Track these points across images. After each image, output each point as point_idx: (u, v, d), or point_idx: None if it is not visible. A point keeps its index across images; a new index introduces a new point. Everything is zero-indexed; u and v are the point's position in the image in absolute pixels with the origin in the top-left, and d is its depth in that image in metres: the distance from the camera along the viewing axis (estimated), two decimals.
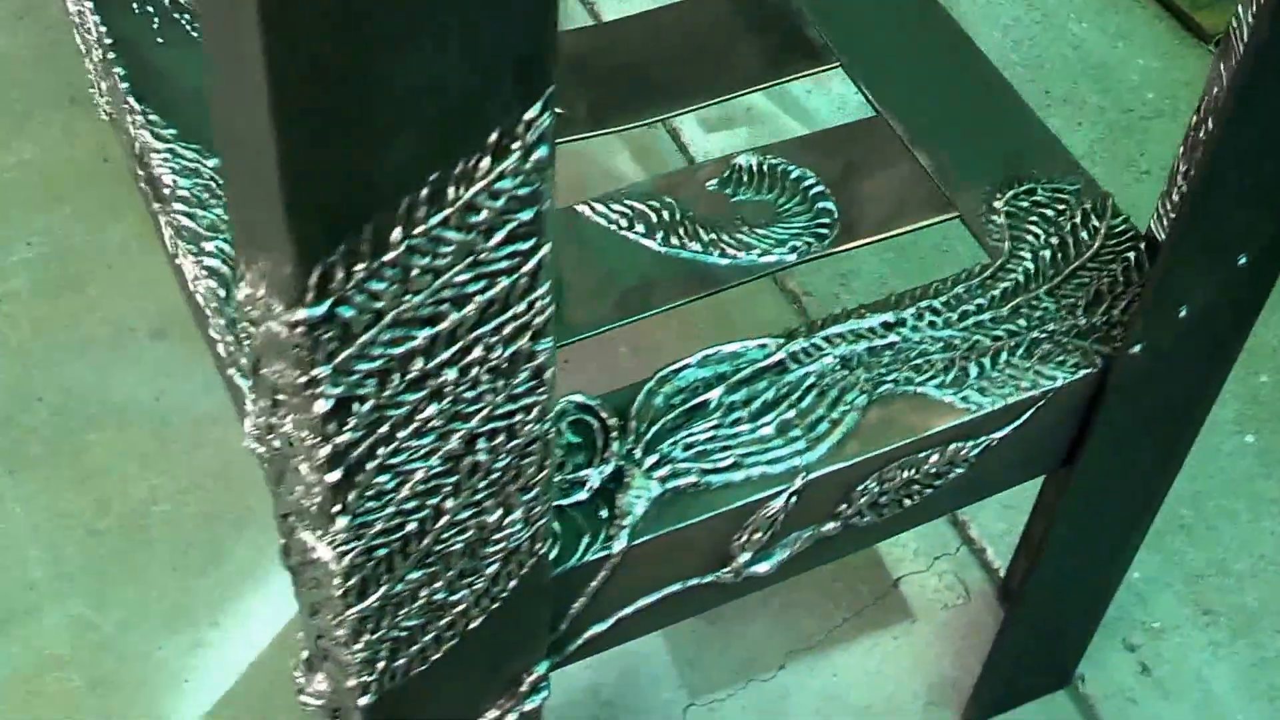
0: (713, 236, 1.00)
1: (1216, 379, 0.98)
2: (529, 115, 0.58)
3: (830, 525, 0.93)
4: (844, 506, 0.93)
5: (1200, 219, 0.86)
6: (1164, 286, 0.89)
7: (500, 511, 0.75)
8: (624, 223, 1.01)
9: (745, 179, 1.04)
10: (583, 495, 0.88)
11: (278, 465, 0.72)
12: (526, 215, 0.61)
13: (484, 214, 0.60)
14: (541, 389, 0.69)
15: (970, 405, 0.92)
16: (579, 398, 0.91)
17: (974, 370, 0.94)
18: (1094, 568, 1.16)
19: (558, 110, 1.05)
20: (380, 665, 0.79)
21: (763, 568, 0.93)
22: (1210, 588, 1.39)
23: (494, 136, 0.57)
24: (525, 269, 0.63)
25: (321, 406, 0.63)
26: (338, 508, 0.68)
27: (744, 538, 0.90)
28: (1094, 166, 1.77)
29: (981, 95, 1.10)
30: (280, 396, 0.66)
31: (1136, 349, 0.92)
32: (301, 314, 0.59)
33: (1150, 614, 1.37)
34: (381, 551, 0.72)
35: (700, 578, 0.92)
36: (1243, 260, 0.88)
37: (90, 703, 1.33)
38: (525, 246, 0.62)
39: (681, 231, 1.01)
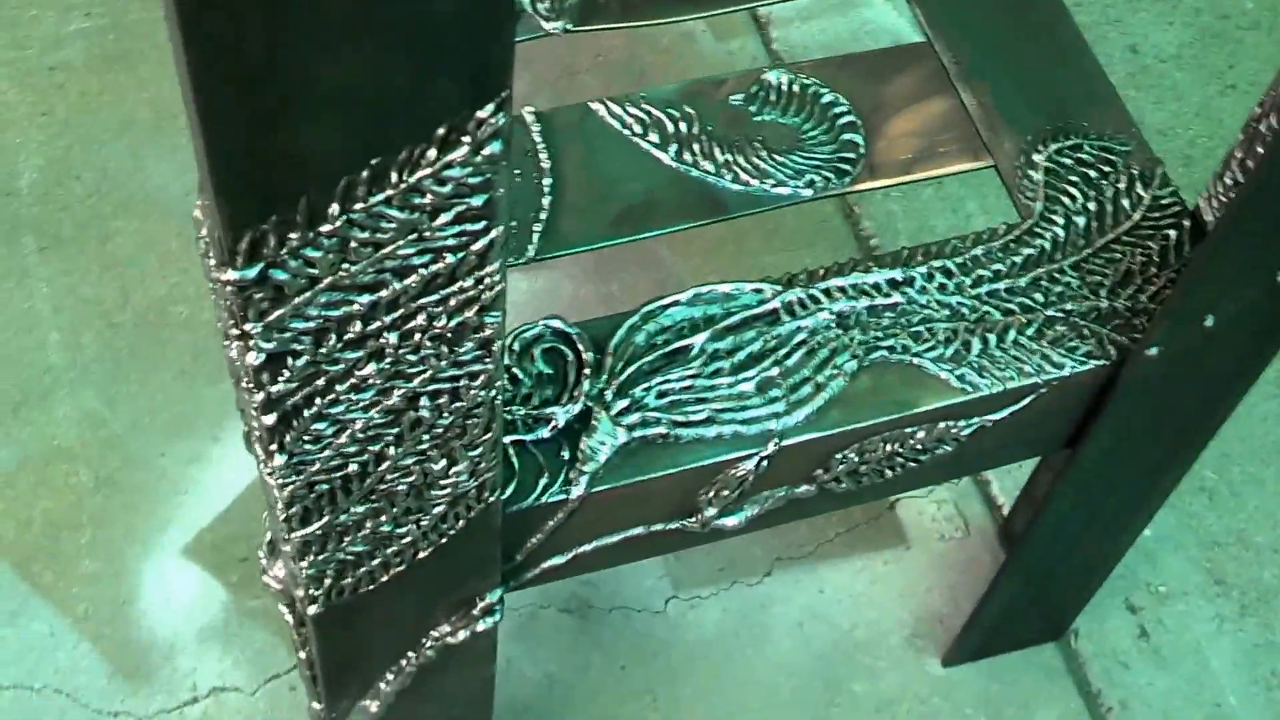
0: (727, 157, 0.94)
1: (1236, 393, 0.92)
2: (481, 114, 0.52)
3: (804, 488, 0.89)
4: (820, 472, 0.88)
5: (1244, 225, 0.79)
6: (1192, 291, 0.82)
7: (445, 462, 0.71)
8: (638, 129, 0.95)
9: (773, 97, 0.97)
10: (545, 433, 0.84)
11: (233, 373, 0.69)
12: (476, 201, 0.56)
13: (429, 197, 0.55)
14: (488, 359, 0.65)
15: (966, 385, 0.87)
16: (557, 323, 0.86)
17: (976, 346, 0.88)
18: (1097, 534, 1.11)
19: (591, 3, 0.98)
20: (327, 583, 0.77)
21: (730, 521, 0.89)
22: (1226, 557, 1.34)
23: (441, 131, 0.52)
24: (474, 248, 0.58)
25: (253, 359, 0.59)
26: (274, 446, 0.65)
27: (711, 494, 0.86)
28: (1179, 71, 1.66)
29: (1044, 33, 1.01)
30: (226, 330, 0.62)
31: (1153, 351, 0.85)
32: (231, 275, 0.54)
33: (1158, 576, 1.33)
34: (323, 487, 0.69)
35: (664, 524, 0.88)
36: None
37: (94, 501, 1.34)
38: (475, 228, 0.57)
39: (696, 148, 0.94)
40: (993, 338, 0.88)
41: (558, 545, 0.86)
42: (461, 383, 0.65)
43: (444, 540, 0.77)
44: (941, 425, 0.88)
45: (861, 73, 0.99)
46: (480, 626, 0.87)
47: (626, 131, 0.94)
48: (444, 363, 0.63)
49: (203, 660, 1.28)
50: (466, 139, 0.52)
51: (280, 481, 0.68)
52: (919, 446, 0.89)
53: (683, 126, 0.95)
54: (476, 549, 0.80)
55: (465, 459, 0.71)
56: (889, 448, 0.88)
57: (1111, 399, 0.90)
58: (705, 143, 0.94)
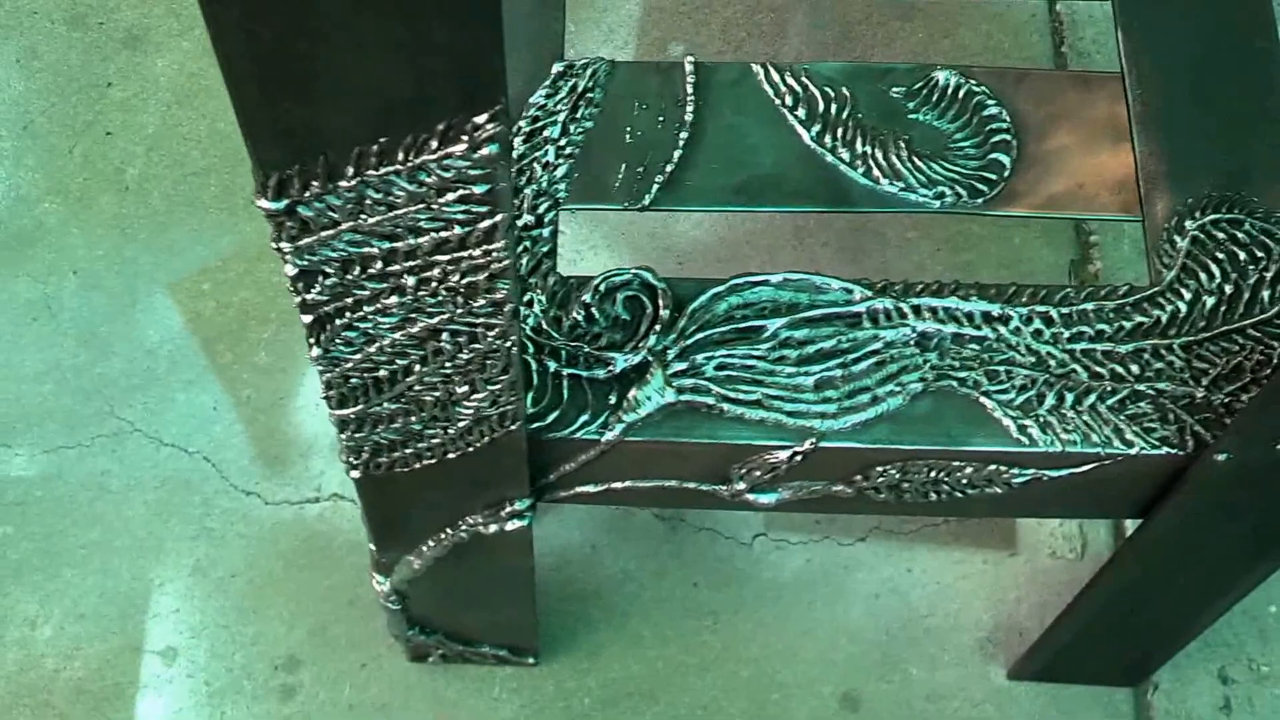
0: (867, 150, 0.93)
1: None
2: (478, 120, 0.55)
3: (842, 488, 0.90)
4: (859, 479, 0.89)
5: None
6: (1265, 410, 0.78)
7: (467, 388, 0.76)
8: (790, 100, 0.95)
9: (935, 97, 0.95)
10: (601, 375, 0.87)
11: None
12: (479, 189, 0.59)
13: (434, 179, 0.58)
14: (501, 317, 0.68)
15: (1024, 437, 0.86)
16: (648, 275, 0.89)
17: (1050, 400, 0.86)
18: (1175, 599, 1.08)
19: None
20: (365, 456, 0.84)
21: (763, 499, 0.91)
22: None
23: (441, 127, 0.55)
24: (480, 226, 0.62)
25: (290, 270, 0.65)
26: (312, 339, 0.71)
27: (744, 470, 0.88)
28: None
29: (1251, 94, 0.95)
30: None
31: (1221, 457, 0.82)
32: (263, 203, 0.60)
33: (1266, 654, 1.28)
34: (355, 381, 0.75)
35: (697, 484, 0.91)
36: None
37: (285, 301, 1.41)
38: (480, 210, 0.61)
39: (840, 131, 0.94)
40: (1070, 396, 0.87)
41: (591, 476, 0.90)
42: (479, 329, 0.69)
43: (471, 450, 0.82)
44: (991, 468, 0.87)
45: (1037, 92, 0.96)
46: (509, 526, 0.92)
47: (777, 101, 0.95)
48: (459, 310, 0.68)
49: (332, 466, 1.38)
50: (464, 139, 0.55)
51: (319, 369, 0.74)
52: (965, 481, 0.88)
53: (834, 108, 0.94)
54: (503, 463, 0.85)
55: (485, 390, 0.75)
56: (933, 474, 0.88)
57: (1179, 488, 0.87)
58: (850, 129, 0.94)
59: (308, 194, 0.59)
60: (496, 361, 0.73)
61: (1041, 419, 0.86)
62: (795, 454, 0.86)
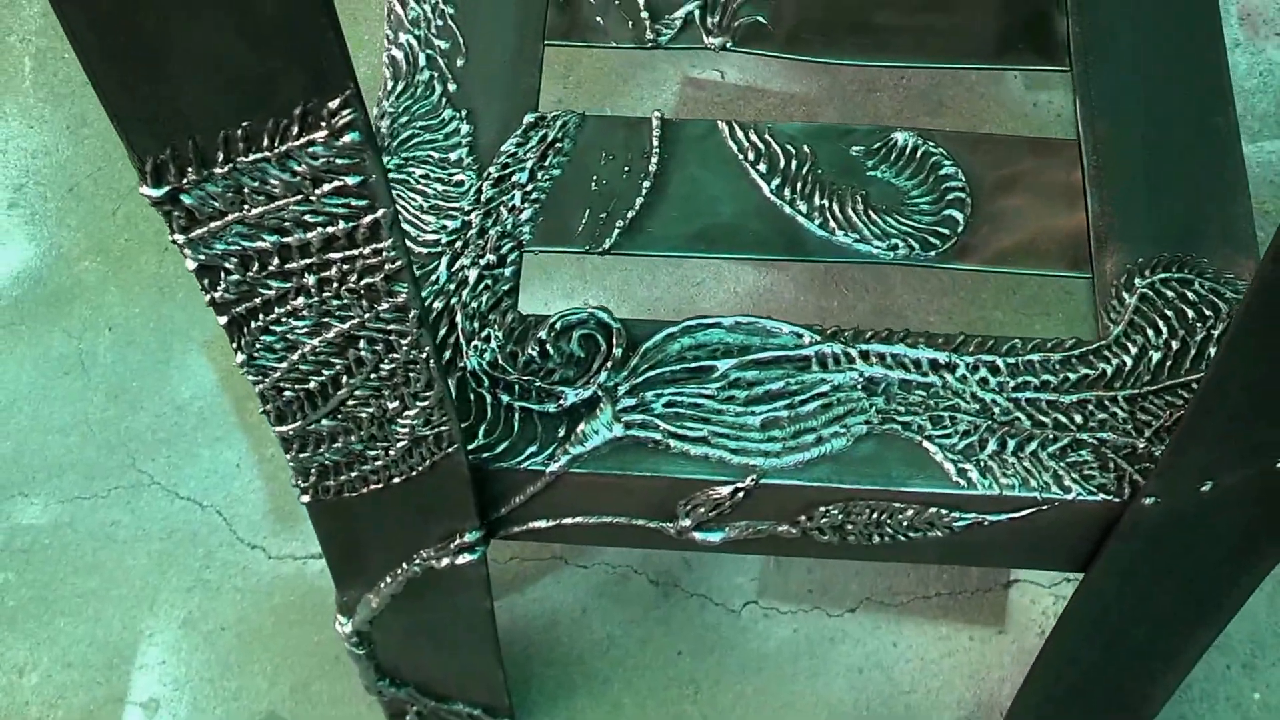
0: (824, 203, 0.96)
1: (1253, 571, 0.87)
2: (331, 105, 0.58)
3: (786, 528, 0.91)
4: (803, 519, 0.90)
5: (1222, 396, 0.75)
6: (1183, 452, 0.79)
7: (398, 404, 0.79)
8: (752, 156, 0.98)
9: (893, 156, 0.98)
10: (552, 408, 0.90)
11: None
12: (352, 180, 0.63)
13: (304, 167, 0.62)
14: (407, 323, 0.72)
15: (963, 480, 0.87)
16: (603, 315, 0.92)
17: (991, 446, 0.87)
18: (1130, 661, 1.06)
19: (758, 18, 1.02)
20: (312, 479, 0.87)
21: (710, 538, 0.93)
22: None
23: (299, 111, 0.59)
24: (363, 221, 0.65)
25: (190, 264, 0.68)
26: (234, 344, 0.74)
27: (689, 506, 0.90)
28: None
29: (1206, 159, 0.97)
30: None
31: (1149, 501, 0.83)
32: (145, 190, 0.64)
33: None
34: (289, 394, 0.78)
35: (645, 521, 0.93)
36: None
37: None
38: (359, 204, 0.64)
39: (799, 185, 0.97)
40: (1012, 443, 0.88)
41: (541, 511, 0.92)
42: (392, 338, 0.72)
43: (414, 473, 0.85)
44: (931, 510, 0.88)
45: (993, 154, 0.98)
46: (461, 560, 0.94)
47: (740, 156, 0.98)
48: (368, 315, 0.71)
49: None
50: (323, 124, 0.58)
51: (250, 378, 0.77)
52: (906, 524, 0.89)
53: (794, 164, 0.97)
54: (449, 491, 0.87)
55: (416, 407, 0.78)
56: (875, 515, 0.89)
57: (1113, 536, 0.87)
58: (809, 183, 0.97)
59: (185, 181, 0.62)
60: (418, 375, 0.75)
61: (982, 463, 0.87)
62: (738, 490, 0.88)
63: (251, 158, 0.61)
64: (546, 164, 0.98)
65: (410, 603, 1.00)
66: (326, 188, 0.62)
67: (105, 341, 1.51)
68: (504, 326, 0.92)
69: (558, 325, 0.92)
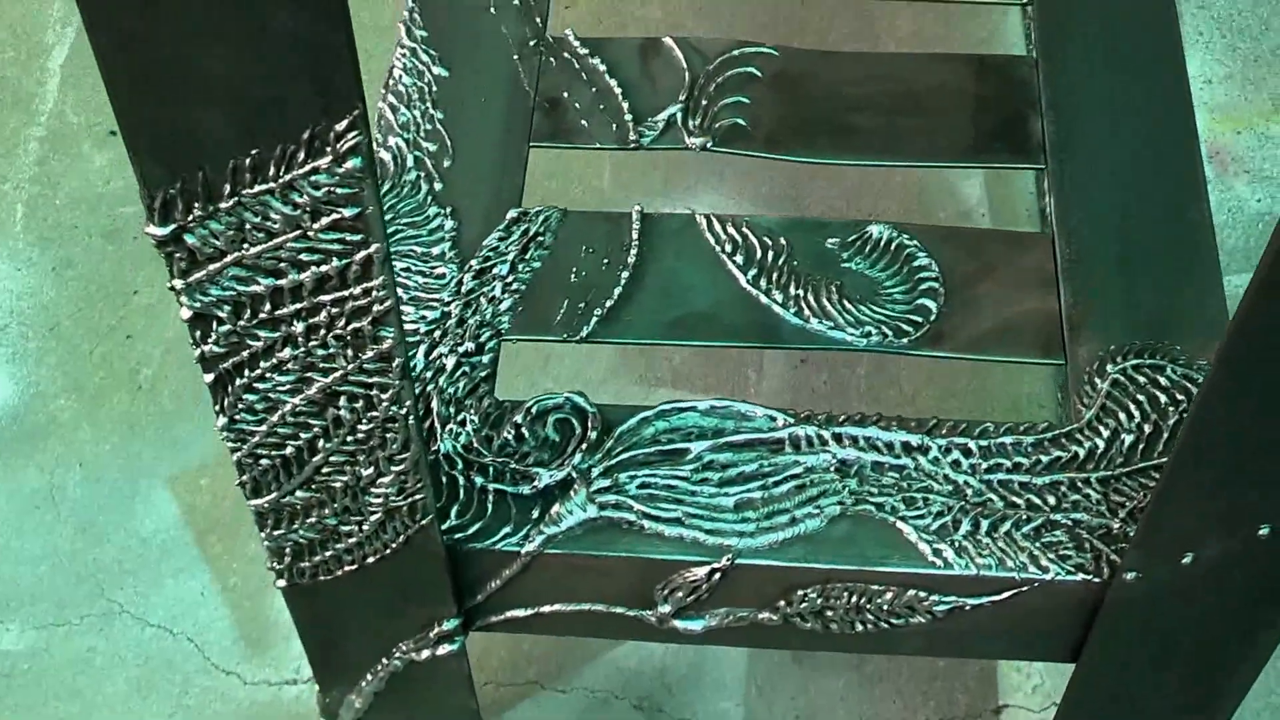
0: (799, 292, 0.97)
1: (1253, 646, 0.86)
2: (338, 128, 0.60)
3: (767, 615, 0.90)
4: (783, 604, 0.89)
5: (1194, 468, 0.75)
6: (1161, 524, 0.78)
7: (372, 470, 0.79)
8: (729, 247, 1.00)
9: (868, 248, 1.00)
10: (526, 490, 0.89)
11: None
12: (349, 211, 0.64)
13: (306, 198, 0.63)
14: (390, 374, 0.72)
15: (938, 560, 0.86)
16: (579, 399, 0.92)
17: (966, 527, 0.87)
18: None
19: (738, 121, 1.05)
20: (287, 560, 0.86)
21: (692, 626, 0.91)
22: None
23: (306, 135, 0.60)
24: (356, 257, 0.66)
25: (185, 313, 0.69)
26: (217, 406, 0.75)
27: (666, 591, 0.89)
28: None
29: (1179, 248, 0.99)
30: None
31: (1130, 576, 0.82)
32: (152, 229, 0.65)
33: None
34: (265, 462, 0.78)
35: (624, 609, 0.91)
36: (1264, 532, 0.77)
37: None
38: (354, 238, 0.65)
39: (774, 276, 0.98)
40: (986, 523, 0.87)
41: (518, 597, 0.91)
42: (373, 392, 0.73)
43: (389, 551, 0.84)
44: (910, 593, 0.87)
45: (966, 246, 1.00)
46: (440, 651, 0.93)
47: (717, 247, 1.00)
48: (351, 366, 0.71)
49: None
50: (329, 149, 0.60)
51: (229, 445, 0.77)
52: (886, 608, 0.88)
53: (770, 255, 0.99)
54: (424, 570, 0.87)
55: (390, 472, 0.78)
56: (854, 599, 0.88)
57: (1099, 620, 0.86)
58: (785, 273, 0.98)
59: (191, 218, 0.64)
60: (395, 435, 0.76)
61: (957, 544, 0.87)
62: (714, 571, 0.87)
63: (256, 189, 0.63)
64: (527, 257, 0.99)
65: (394, 702, 0.98)
66: (324, 221, 0.64)
67: (76, 477, 1.52)
68: (480, 411, 0.92)
69: (533, 409, 0.92)
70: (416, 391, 0.93)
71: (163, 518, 1.50)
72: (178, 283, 0.68)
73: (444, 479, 0.90)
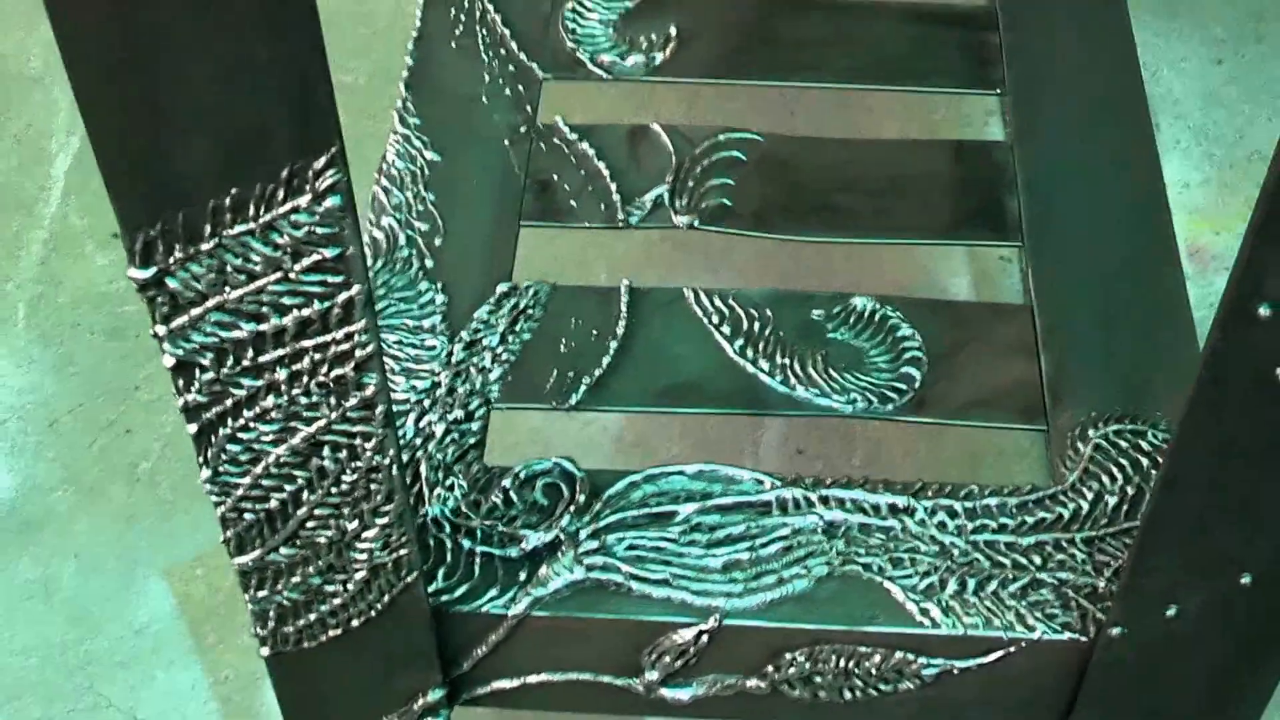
0: (785, 361, 0.99)
1: (1238, 704, 0.86)
2: (316, 165, 0.62)
3: (755, 682, 0.90)
4: (771, 669, 0.89)
5: (1170, 514, 0.76)
6: (1145, 572, 0.79)
7: (357, 523, 0.79)
8: (716, 319, 1.01)
9: (852, 320, 1.01)
10: (513, 553, 0.90)
11: None
12: (330, 252, 0.65)
13: (286, 238, 0.65)
14: (374, 421, 0.73)
15: (926, 620, 0.86)
16: (567, 464, 0.93)
17: (952, 586, 0.87)
18: None
19: (724, 201, 1.07)
20: (271, 625, 0.86)
21: (680, 695, 0.91)
22: None
23: (285, 172, 0.62)
24: (338, 299, 0.67)
25: (168, 360, 0.71)
26: (201, 458, 0.76)
27: (653, 656, 0.89)
28: None
29: (1156, 318, 1.01)
30: None
31: (1115, 631, 0.82)
32: (132, 271, 0.66)
33: None
34: (249, 516, 0.79)
35: (611, 678, 0.91)
36: (1246, 580, 0.77)
37: None
38: (335, 280, 0.66)
39: (761, 346, 1.00)
40: (972, 583, 0.88)
41: (505, 666, 0.91)
42: (356, 440, 0.74)
43: (374, 613, 0.84)
44: (899, 656, 0.87)
45: (949, 318, 1.02)
46: None
47: (705, 319, 1.01)
48: (334, 414, 0.72)
49: None
50: (308, 188, 0.62)
51: (214, 500, 0.78)
52: (875, 672, 0.88)
53: (756, 326, 1.01)
54: (410, 634, 0.87)
55: (375, 525, 0.79)
56: (842, 662, 0.88)
57: (1087, 679, 0.86)
58: (771, 343, 1.00)
59: (172, 260, 0.65)
60: (379, 486, 0.76)
61: (944, 603, 0.87)
62: (701, 633, 0.87)
63: (237, 230, 0.64)
64: (516, 329, 1.01)
65: None
66: (305, 262, 0.65)
67: (70, 568, 1.52)
68: (468, 477, 0.93)
69: (522, 474, 0.93)
70: (405, 458, 0.94)
71: (157, 609, 1.50)
72: (160, 329, 0.69)
73: (431, 542, 0.90)
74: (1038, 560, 0.89)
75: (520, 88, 1.17)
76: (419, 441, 0.95)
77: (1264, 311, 0.63)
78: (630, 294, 1.03)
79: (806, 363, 0.99)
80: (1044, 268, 1.04)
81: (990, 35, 1.20)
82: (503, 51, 1.20)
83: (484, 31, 1.22)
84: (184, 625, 1.48)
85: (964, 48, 1.20)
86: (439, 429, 0.95)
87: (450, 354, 0.99)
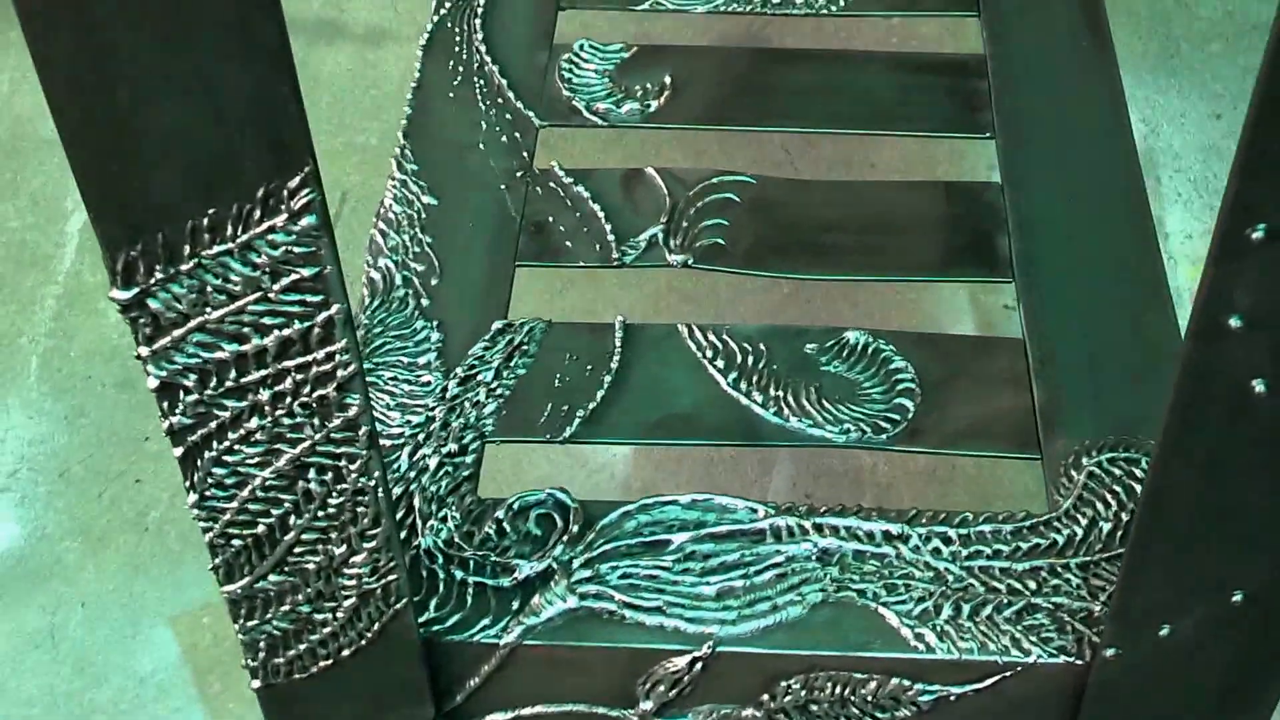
0: (779, 394, 0.99)
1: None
2: (291, 184, 0.63)
3: (751, 712, 0.90)
4: (766, 698, 0.89)
5: (1153, 535, 0.76)
6: (1136, 590, 0.79)
7: (345, 548, 0.80)
8: (710, 354, 1.02)
9: (845, 353, 1.02)
10: (506, 582, 0.90)
11: None
12: (308, 271, 0.66)
13: (264, 258, 0.66)
14: (358, 442, 0.74)
15: (921, 645, 0.86)
16: (561, 495, 0.93)
17: (947, 611, 0.87)
18: None
19: (718, 241, 1.08)
20: (262, 655, 0.86)
21: None
22: None
23: (261, 193, 0.63)
24: (318, 319, 0.68)
25: (151, 382, 0.71)
26: (187, 482, 0.76)
27: (647, 684, 0.89)
28: None
29: (1148, 348, 1.01)
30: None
31: (1110, 653, 0.82)
32: (114, 292, 0.67)
33: None
34: (237, 543, 0.79)
35: (606, 709, 0.91)
36: (1238, 598, 0.77)
37: None
38: (314, 300, 0.67)
39: (755, 379, 1.00)
40: (967, 608, 0.87)
41: (498, 697, 0.91)
42: (341, 462, 0.74)
43: (364, 641, 0.85)
44: (894, 682, 0.87)
45: (941, 351, 1.02)
46: None
47: (699, 354, 1.02)
48: (318, 435, 0.73)
49: None
50: (284, 207, 0.63)
51: (201, 526, 0.78)
52: (871, 699, 0.88)
53: (750, 360, 1.01)
54: (401, 665, 0.87)
55: (363, 550, 0.79)
56: (838, 690, 0.88)
57: (1084, 705, 0.86)
58: (765, 376, 1.00)
59: (153, 281, 0.66)
60: (366, 509, 0.77)
61: (939, 628, 0.87)
62: (695, 660, 0.87)
63: (215, 250, 0.65)
64: (512, 364, 1.02)
65: None
66: (284, 282, 0.66)
67: (77, 617, 1.53)
68: (461, 508, 0.93)
69: (515, 505, 0.93)
70: (399, 491, 0.95)
71: (163, 657, 1.50)
72: (143, 350, 0.69)
73: (424, 573, 0.90)
74: (1032, 585, 0.88)
75: (517, 135, 1.19)
76: (412, 475, 0.95)
77: (1234, 323, 0.64)
78: (625, 330, 1.03)
79: (800, 395, 0.99)
80: (1035, 303, 1.04)
81: (980, 82, 1.22)
82: (500, 100, 1.22)
83: (481, 82, 1.24)
84: (189, 674, 1.48)
85: (954, 94, 1.22)
86: (432, 462, 0.96)
87: (445, 389, 1.00)
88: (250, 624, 0.84)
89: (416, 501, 0.94)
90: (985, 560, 0.90)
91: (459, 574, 0.90)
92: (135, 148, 0.61)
